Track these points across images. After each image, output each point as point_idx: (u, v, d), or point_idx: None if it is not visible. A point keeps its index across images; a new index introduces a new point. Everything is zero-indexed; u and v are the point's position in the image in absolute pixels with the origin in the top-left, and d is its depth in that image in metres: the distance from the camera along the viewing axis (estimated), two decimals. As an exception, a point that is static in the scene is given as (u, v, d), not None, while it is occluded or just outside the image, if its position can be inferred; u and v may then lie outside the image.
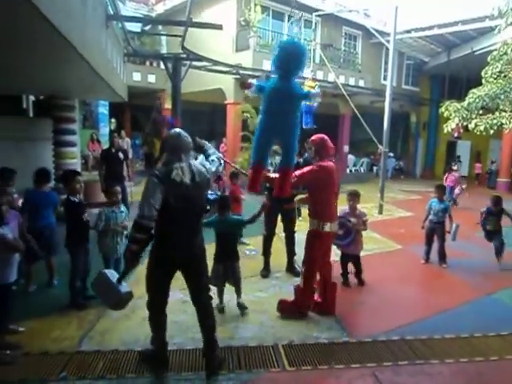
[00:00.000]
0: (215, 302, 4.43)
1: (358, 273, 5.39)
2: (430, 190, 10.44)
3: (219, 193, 8.76)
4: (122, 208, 4.80)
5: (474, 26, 14.89)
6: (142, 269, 3.26)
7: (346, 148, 17.98)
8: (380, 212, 10.25)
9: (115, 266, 4.54)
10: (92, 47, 4.89)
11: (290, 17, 14.45)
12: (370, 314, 4.76)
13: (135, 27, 13.28)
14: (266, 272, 5.56)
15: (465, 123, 11.41)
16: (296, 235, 5.63)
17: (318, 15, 14.75)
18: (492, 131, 10.44)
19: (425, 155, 21.34)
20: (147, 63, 16.14)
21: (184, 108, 9.84)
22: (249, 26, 13.63)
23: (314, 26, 15.46)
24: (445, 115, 11.87)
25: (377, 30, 14.47)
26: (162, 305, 3.28)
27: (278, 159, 5.69)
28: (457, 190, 11.72)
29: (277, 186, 3.93)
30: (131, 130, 18.32)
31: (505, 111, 10.08)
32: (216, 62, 11.77)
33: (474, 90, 10.93)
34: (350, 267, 5.42)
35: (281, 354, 3.58)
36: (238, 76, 13.03)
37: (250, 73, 12.92)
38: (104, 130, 14.55)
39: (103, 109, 14.38)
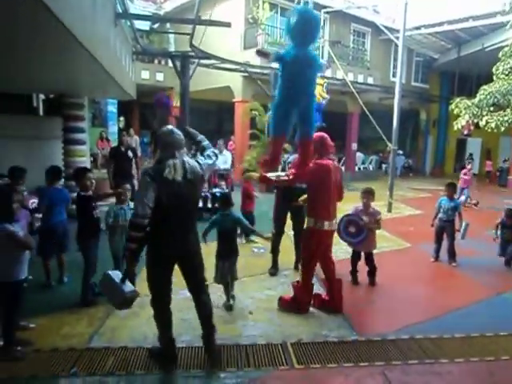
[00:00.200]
0: (221, 300, 4.47)
1: (371, 272, 5.31)
2: (440, 188, 10.34)
3: (227, 191, 8.76)
4: (131, 205, 4.83)
5: (484, 21, 14.73)
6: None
7: (355, 146, 17.89)
8: (389, 210, 10.19)
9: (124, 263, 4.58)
10: (101, 46, 4.92)
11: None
12: (379, 312, 4.73)
13: (144, 25, 13.33)
14: (274, 270, 5.55)
15: (475, 120, 11.31)
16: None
17: (327, 12, 14.68)
18: (503, 128, 10.31)
19: (434, 153, 21.17)
20: (155, 61, 16.18)
21: (192, 106, 9.86)
22: (257, 24, 13.60)
23: (322, 23, 15.37)
24: (455, 112, 11.77)
25: (386, 27, 14.37)
26: (165, 302, 3.31)
27: (286, 157, 5.69)
28: (462, 198, 10.89)
29: (299, 160, 3.91)
30: (140, 128, 18.41)
31: (516, 108, 9.97)
32: (224, 60, 11.77)
33: (485, 87, 10.82)
34: (359, 266, 5.38)
35: (289, 352, 3.57)
36: (246, 74, 13.01)
37: (259, 71, 12.91)
38: (113, 128, 14.65)
39: (112, 107, 14.47)
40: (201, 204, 8.62)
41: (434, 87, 20.48)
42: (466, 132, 14.99)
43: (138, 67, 13.20)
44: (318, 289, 4.74)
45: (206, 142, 3.58)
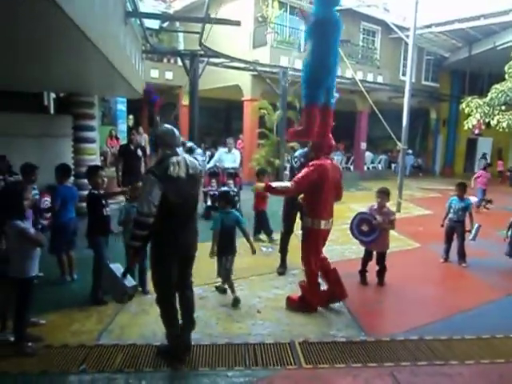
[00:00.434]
0: (226, 299, 4.48)
1: (380, 272, 5.28)
2: (450, 187, 10.26)
3: (236, 189, 8.76)
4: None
5: (496, 19, 14.53)
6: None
7: (364, 145, 17.80)
8: (398, 210, 10.11)
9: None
10: (112, 44, 4.94)
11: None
12: (388, 312, 4.71)
13: (153, 24, 13.35)
14: (282, 269, 5.55)
15: (486, 119, 11.19)
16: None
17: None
18: (515, 128, 10.19)
19: (444, 152, 20.96)
20: (165, 60, 16.24)
21: (201, 105, 9.87)
22: (266, 22, 13.58)
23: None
24: (466, 111, 11.66)
25: (396, 25, 14.25)
26: (171, 298, 3.33)
27: (296, 154, 5.67)
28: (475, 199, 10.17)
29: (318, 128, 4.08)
30: (148, 127, 18.49)
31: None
32: (233, 59, 11.77)
33: (497, 86, 10.71)
34: (368, 266, 5.35)
35: (297, 352, 3.57)
36: (255, 72, 13.00)
37: (268, 69, 12.89)
38: (122, 126, 14.71)
39: (121, 105, 14.52)
40: (209, 203, 8.65)
41: (445, 86, 20.28)
42: (476, 131, 14.82)
43: (147, 66, 13.27)
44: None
45: (190, 143, 3.71)
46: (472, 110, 11.38)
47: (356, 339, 3.85)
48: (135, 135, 8.02)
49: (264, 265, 5.77)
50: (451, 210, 6.19)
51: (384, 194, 5.25)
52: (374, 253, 5.31)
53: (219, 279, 4.75)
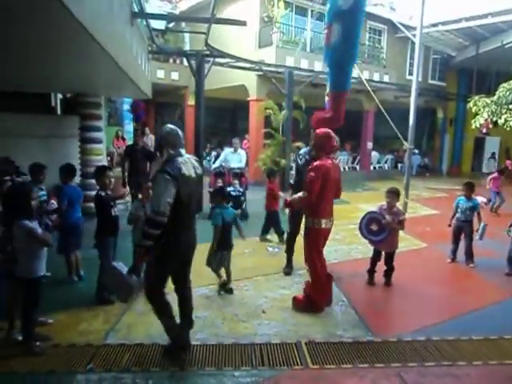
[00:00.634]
0: (229, 300, 4.48)
1: (388, 271, 5.26)
2: (457, 187, 10.19)
3: (241, 189, 8.77)
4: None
5: (504, 18, 14.39)
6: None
7: (370, 145, 17.73)
8: (405, 210, 9.98)
9: None
10: (118, 45, 4.96)
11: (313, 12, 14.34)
12: (395, 313, 4.70)
13: (159, 25, 13.39)
14: (288, 269, 5.54)
15: (494, 118, 11.10)
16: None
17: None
18: (523, 127, 10.09)
19: (451, 152, 20.81)
20: (171, 60, 16.28)
21: (207, 105, 9.87)
22: (272, 22, 13.56)
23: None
24: (473, 110, 11.57)
25: (402, 24, 14.18)
26: (162, 289, 3.33)
27: (301, 151, 5.65)
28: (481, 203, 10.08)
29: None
30: (155, 127, 18.56)
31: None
32: (239, 59, 11.76)
33: (505, 84, 10.62)
34: (377, 267, 5.32)
35: (304, 352, 3.56)
36: (260, 72, 13.00)
37: (273, 69, 12.87)
38: (128, 127, 14.78)
39: (128, 106, 14.59)
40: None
41: (452, 85, 20.14)
42: (484, 130, 14.68)
43: (153, 66, 13.30)
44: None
45: None
46: (479, 109, 11.29)
47: (363, 339, 3.84)
48: (140, 137, 8.04)
49: (270, 265, 5.77)
50: (458, 210, 6.14)
51: (394, 194, 5.22)
52: (383, 253, 5.28)
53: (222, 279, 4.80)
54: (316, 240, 4.35)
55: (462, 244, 6.18)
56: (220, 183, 8.86)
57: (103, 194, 4.45)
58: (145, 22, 8.20)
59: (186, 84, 15.79)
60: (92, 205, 4.58)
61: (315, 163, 4.21)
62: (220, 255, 4.68)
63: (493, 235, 6.54)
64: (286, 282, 5.24)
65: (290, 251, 5.60)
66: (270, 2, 13.68)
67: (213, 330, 3.91)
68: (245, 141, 15.16)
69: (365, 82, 10.23)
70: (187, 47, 15.94)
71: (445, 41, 17.54)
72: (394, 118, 10.71)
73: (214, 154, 16.31)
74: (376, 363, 3.43)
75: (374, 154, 18.46)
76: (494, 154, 18.65)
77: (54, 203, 4.59)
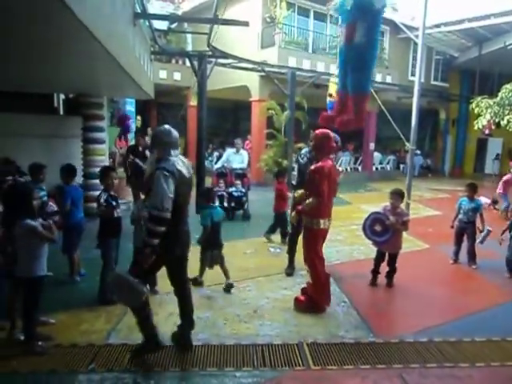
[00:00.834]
0: (234, 300, 4.47)
1: (390, 272, 5.24)
2: (459, 188, 10.16)
3: (243, 190, 8.77)
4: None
5: (507, 19, 14.36)
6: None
7: (372, 145, 17.71)
8: (407, 210, 10.03)
9: None
10: (120, 45, 4.97)
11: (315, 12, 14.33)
12: (397, 314, 4.69)
13: (162, 25, 13.40)
14: (290, 270, 5.53)
15: (497, 119, 11.07)
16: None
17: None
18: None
19: (454, 153, 20.77)
20: (173, 61, 16.30)
21: (209, 105, 9.88)
22: (274, 23, 13.57)
23: (339, 22, 15.27)
24: (475, 111, 11.55)
25: (405, 25, 14.16)
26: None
27: (303, 150, 5.65)
28: (485, 204, 9.16)
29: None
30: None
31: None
32: (241, 59, 11.77)
33: (507, 85, 10.60)
34: (380, 268, 5.31)
35: (305, 353, 3.55)
36: (263, 73, 13.00)
37: (276, 70, 12.87)
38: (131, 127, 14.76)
39: (130, 106, 14.57)
40: (217, 203, 8.66)
41: (454, 86, 20.10)
42: (486, 132, 14.66)
43: (155, 67, 13.31)
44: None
45: None
46: (482, 110, 11.27)
47: (365, 340, 3.83)
48: (141, 139, 8.03)
49: (272, 265, 5.76)
50: (461, 211, 6.12)
51: (398, 196, 5.20)
52: (386, 253, 5.27)
53: (224, 279, 4.83)
54: (315, 240, 4.37)
55: (465, 245, 6.16)
56: (222, 184, 8.88)
57: (104, 195, 4.44)
58: (147, 23, 8.21)
59: (189, 84, 15.78)
60: (94, 205, 4.58)
61: (319, 164, 4.21)
62: (210, 254, 4.78)
63: (496, 237, 6.49)
64: (287, 282, 5.23)
65: (291, 252, 5.59)
66: (272, 2, 13.69)
67: (214, 330, 3.90)
68: (247, 141, 15.16)
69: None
70: (189, 48, 15.96)
71: (447, 41, 17.51)
72: (397, 118, 10.69)
73: (216, 154, 16.32)
74: (378, 364, 3.42)
75: (376, 154, 18.45)
76: (498, 155, 18.60)
77: (52, 205, 4.57)
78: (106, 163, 8.89)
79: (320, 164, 4.20)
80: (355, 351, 3.62)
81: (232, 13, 13.82)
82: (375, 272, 5.27)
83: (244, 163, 9.21)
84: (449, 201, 10.92)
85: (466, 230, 6.10)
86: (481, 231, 6.00)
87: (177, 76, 16.20)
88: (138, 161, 3.97)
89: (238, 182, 8.84)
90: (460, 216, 6.13)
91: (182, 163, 3.22)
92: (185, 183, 3.18)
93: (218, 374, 3.23)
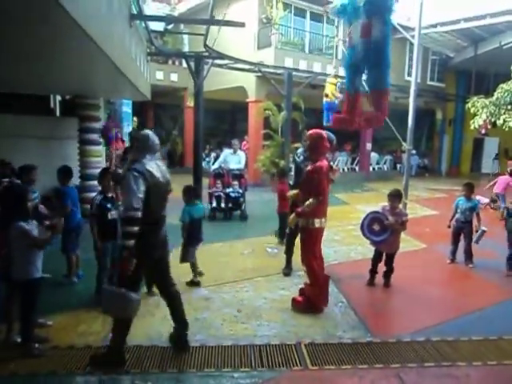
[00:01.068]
0: (235, 300, 4.46)
1: (388, 272, 5.24)
2: (456, 188, 10.19)
3: (241, 191, 8.77)
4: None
5: (502, 18, 14.42)
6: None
7: (369, 146, 17.75)
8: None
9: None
10: (117, 46, 4.96)
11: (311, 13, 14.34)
12: (395, 314, 4.69)
13: (158, 26, 13.40)
14: (288, 270, 5.53)
15: (493, 119, 11.12)
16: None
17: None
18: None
19: (450, 152, 20.85)
20: (170, 62, 16.30)
21: (206, 106, 9.89)
22: (271, 24, 13.58)
23: (336, 23, 15.29)
24: (472, 111, 11.60)
25: (401, 25, 14.16)
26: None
27: (299, 150, 5.66)
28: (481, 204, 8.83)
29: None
30: (154, 129, 18.54)
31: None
32: (238, 60, 11.78)
33: (503, 85, 10.65)
34: (379, 268, 5.31)
35: (303, 353, 3.55)
36: (259, 74, 13.01)
37: (272, 70, 12.88)
38: (127, 128, 14.73)
39: (127, 108, 14.55)
40: (214, 204, 8.67)
41: (450, 86, 20.17)
42: (483, 131, 14.71)
43: (152, 68, 13.30)
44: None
45: None
46: (478, 110, 11.32)
47: (362, 340, 3.83)
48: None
49: (269, 266, 5.76)
50: (458, 211, 6.14)
51: (396, 198, 5.19)
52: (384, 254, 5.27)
53: (221, 280, 4.86)
54: (312, 240, 4.37)
55: (462, 244, 6.18)
56: (219, 184, 8.88)
57: (99, 197, 4.44)
58: (143, 24, 8.20)
59: (185, 85, 15.79)
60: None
61: (317, 164, 4.21)
62: (193, 250, 4.87)
63: (492, 236, 6.52)
64: (285, 282, 5.23)
65: (289, 252, 5.60)
66: (268, 3, 13.70)
67: (212, 331, 3.90)
68: (244, 142, 15.17)
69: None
70: (186, 49, 15.96)
71: (443, 42, 17.56)
72: (393, 119, 10.70)
73: (213, 155, 16.31)
74: (375, 364, 3.42)
75: (373, 154, 18.49)
76: (497, 154, 18.69)
77: (42, 207, 4.53)
78: (103, 165, 8.88)
79: (318, 164, 4.20)
80: (353, 351, 3.62)
81: (228, 13, 13.80)
82: (373, 272, 5.27)
83: (241, 164, 9.22)
84: (446, 200, 10.95)
85: (463, 230, 6.12)
86: (476, 231, 6.02)
87: (173, 77, 16.20)
88: (119, 171, 3.98)
89: (236, 182, 8.84)
90: (457, 215, 6.15)
91: (156, 166, 3.21)
92: (158, 186, 3.16)
93: (216, 374, 3.22)
